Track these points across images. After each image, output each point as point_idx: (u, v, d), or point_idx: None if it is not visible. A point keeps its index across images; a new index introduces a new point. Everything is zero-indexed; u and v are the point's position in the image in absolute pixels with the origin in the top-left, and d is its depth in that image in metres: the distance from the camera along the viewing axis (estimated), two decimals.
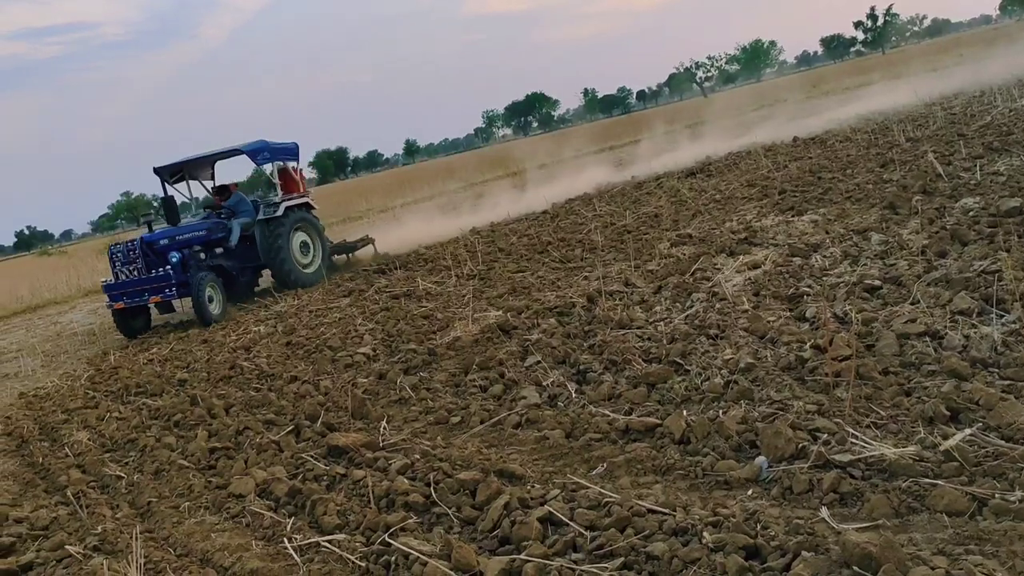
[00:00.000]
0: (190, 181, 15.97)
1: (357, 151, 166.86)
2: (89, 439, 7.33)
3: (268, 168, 15.62)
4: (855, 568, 2.95)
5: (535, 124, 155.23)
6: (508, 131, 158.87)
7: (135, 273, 13.08)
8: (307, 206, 15.55)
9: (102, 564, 4.45)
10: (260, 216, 14.64)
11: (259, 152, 15.02)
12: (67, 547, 4.81)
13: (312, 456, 5.45)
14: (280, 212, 14.55)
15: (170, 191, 15.41)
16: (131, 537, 4.78)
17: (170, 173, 15.46)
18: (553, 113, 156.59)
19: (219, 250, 14.37)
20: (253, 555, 4.25)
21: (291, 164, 16.02)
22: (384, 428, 5.82)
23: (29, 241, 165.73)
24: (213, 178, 16.40)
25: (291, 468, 5.38)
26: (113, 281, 13.24)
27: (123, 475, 6.07)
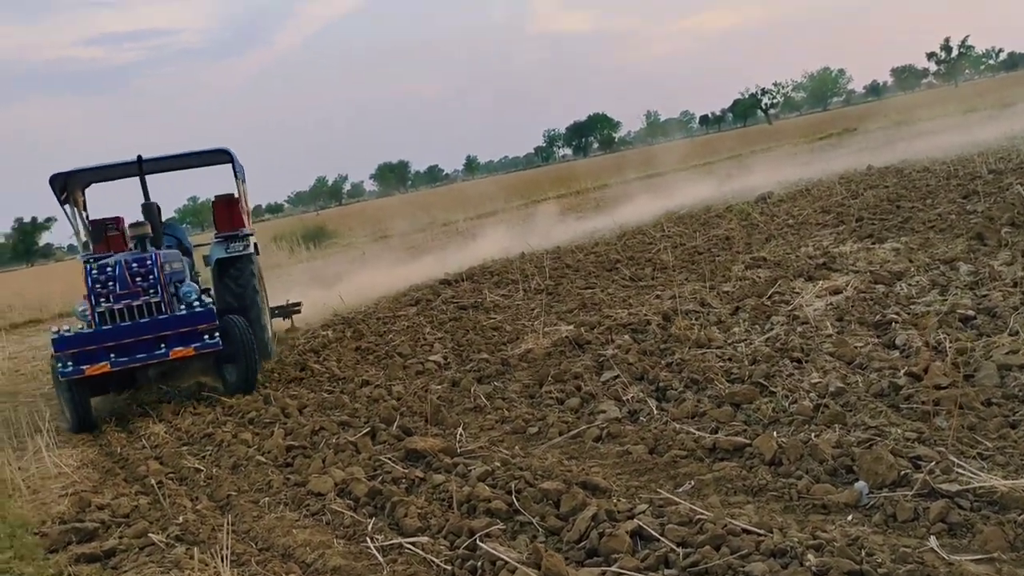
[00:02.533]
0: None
1: (418, 165, 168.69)
2: (166, 432, 7.45)
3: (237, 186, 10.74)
4: None
5: (596, 145, 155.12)
6: (568, 151, 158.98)
7: (144, 308, 8.06)
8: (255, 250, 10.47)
9: (186, 553, 4.50)
10: (219, 254, 9.78)
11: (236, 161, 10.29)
12: (150, 535, 4.86)
13: (390, 459, 5.45)
14: (251, 248, 9.92)
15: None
16: (213, 528, 4.84)
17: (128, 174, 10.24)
18: (614, 135, 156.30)
19: None
20: (335, 553, 4.24)
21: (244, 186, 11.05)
22: (461, 435, 5.79)
23: None
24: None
25: (369, 469, 5.38)
26: (86, 325, 8.13)
27: (201, 468, 6.14)
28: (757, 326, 7.22)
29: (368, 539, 4.32)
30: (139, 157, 9.34)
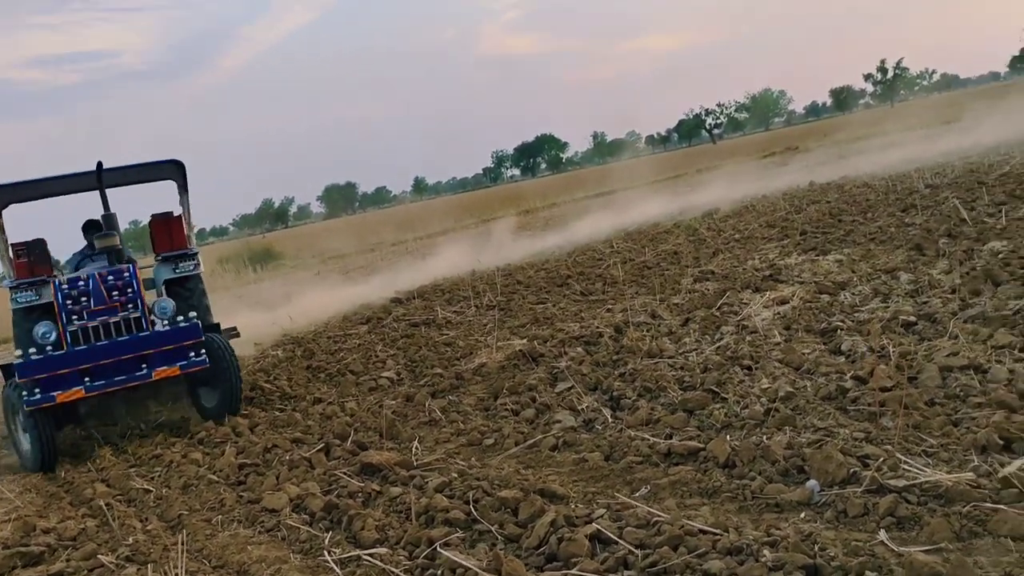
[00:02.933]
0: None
1: (366, 187, 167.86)
2: (112, 454, 7.28)
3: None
4: None
5: (543, 165, 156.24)
6: (516, 171, 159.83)
7: (122, 326, 7.41)
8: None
9: (137, 573, 4.41)
10: (167, 275, 8.82)
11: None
12: (99, 556, 4.74)
13: (345, 473, 5.41)
14: (200, 267, 9.01)
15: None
16: (164, 548, 4.74)
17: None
18: (562, 155, 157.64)
19: None
20: (292, 568, 4.19)
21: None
22: (416, 448, 5.78)
23: None
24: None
25: (324, 484, 5.33)
26: (51, 349, 7.13)
27: (150, 488, 6.02)
28: (707, 336, 7.33)
29: (326, 552, 4.27)
30: (99, 164, 8.42)
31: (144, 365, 7.23)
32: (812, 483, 4.00)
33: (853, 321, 6.80)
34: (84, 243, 9.17)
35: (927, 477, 3.78)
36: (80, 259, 8.83)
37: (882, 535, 3.42)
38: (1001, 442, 4.02)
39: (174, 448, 6.98)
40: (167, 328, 7.39)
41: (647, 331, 7.81)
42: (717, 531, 3.66)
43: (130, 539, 4.97)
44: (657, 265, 12.18)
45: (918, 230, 10.29)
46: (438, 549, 3.91)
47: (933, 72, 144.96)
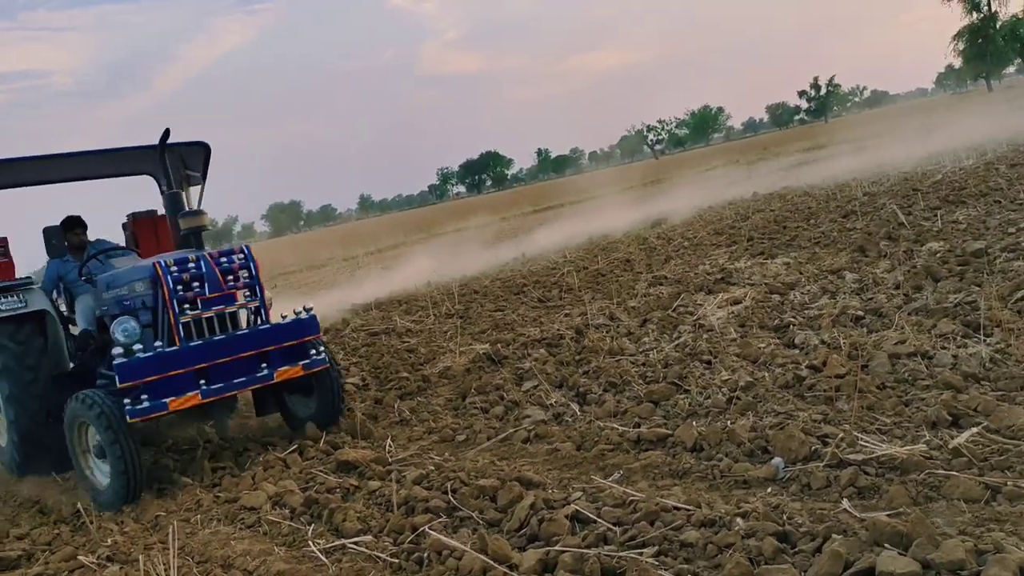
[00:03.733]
0: None
1: (311, 205, 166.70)
2: None
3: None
4: (886, 545, 3.13)
5: (489, 182, 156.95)
6: (462, 188, 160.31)
7: (238, 318, 6.33)
8: None
9: (121, 571, 4.45)
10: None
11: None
12: (79, 558, 4.76)
13: (321, 471, 5.50)
14: None
15: None
16: (145, 547, 4.78)
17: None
18: (507, 172, 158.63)
19: None
20: (277, 558, 4.27)
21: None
22: (390, 446, 5.89)
23: None
24: None
25: (301, 482, 5.41)
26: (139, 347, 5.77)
27: None
28: (665, 335, 7.58)
29: (310, 543, 4.37)
30: (166, 132, 6.89)
31: (265, 364, 6.15)
32: (777, 460, 4.24)
33: (804, 317, 7.11)
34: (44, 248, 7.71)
35: (884, 451, 4.04)
36: (85, 260, 7.20)
37: (845, 503, 3.66)
38: (950, 418, 4.32)
39: (143, 457, 6.95)
40: (287, 320, 6.35)
41: (607, 332, 8.04)
42: (690, 507, 3.86)
43: (109, 540, 4.99)
44: (611, 272, 12.46)
45: (859, 234, 10.73)
46: (427, 531, 4.05)
47: (864, 88, 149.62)
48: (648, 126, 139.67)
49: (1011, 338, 5.41)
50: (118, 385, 5.60)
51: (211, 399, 5.91)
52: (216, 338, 6.03)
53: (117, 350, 5.73)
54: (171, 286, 5.91)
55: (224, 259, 6.23)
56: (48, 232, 7.58)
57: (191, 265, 6.05)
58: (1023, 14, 44.18)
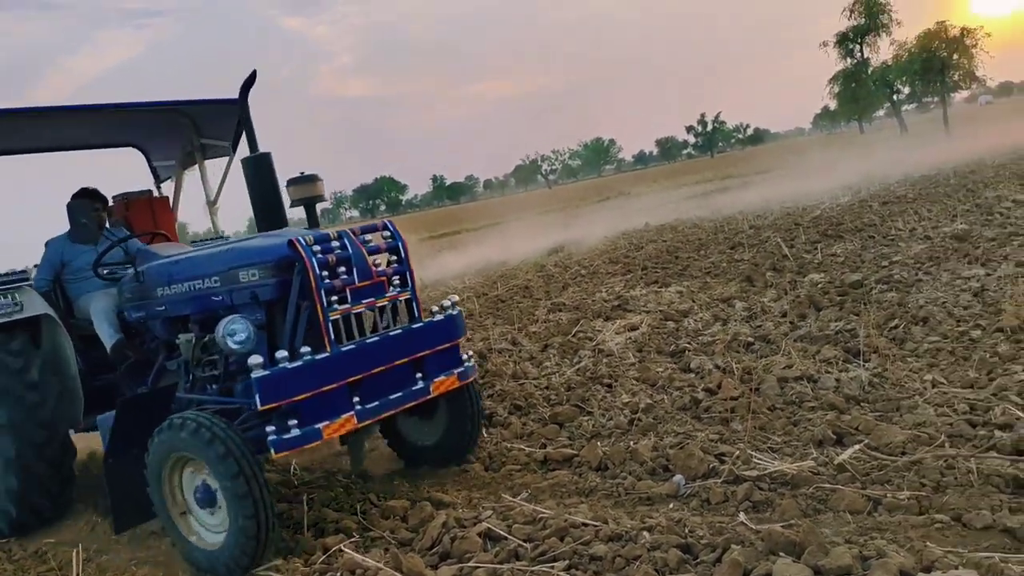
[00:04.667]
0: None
1: (197, 228, 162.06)
2: None
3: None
4: (781, 554, 3.36)
5: (383, 208, 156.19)
6: (355, 213, 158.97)
7: (388, 314, 4.80)
8: None
9: None
10: None
11: None
12: None
13: None
14: None
15: None
16: None
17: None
18: (401, 198, 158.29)
19: None
20: None
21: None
22: (294, 469, 5.85)
23: None
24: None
25: None
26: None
27: None
28: (567, 359, 7.79)
29: None
30: (252, 75, 5.57)
31: (420, 375, 4.77)
32: (678, 478, 4.46)
33: (698, 343, 7.44)
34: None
35: (775, 468, 4.31)
36: (108, 247, 5.87)
37: (741, 516, 3.89)
38: (834, 437, 4.65)
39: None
40: (439, 318, 4.98)
41: (510, 356, 8.19)
42: (598, 523, 4.01)
43: None
44: (511, 299, 12.66)
45: (747, 265, 11.28)
46: (341, 549, 4.06)
47: (748, 126, 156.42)
48: (542, 156, 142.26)
49: (887, 363, 5.84)
50: (259, 407, 4.15)
51: (366, 422, 4.51)
52: (369, 340, 4.57)
53: (249, 361, 4.20)
54: (317, 272, 4.40)
55: (368, 236, 4.78)
56: (74, 209, 6.21)
57: (336, 246, 4.57)
58: (892, 62, 47.00)
